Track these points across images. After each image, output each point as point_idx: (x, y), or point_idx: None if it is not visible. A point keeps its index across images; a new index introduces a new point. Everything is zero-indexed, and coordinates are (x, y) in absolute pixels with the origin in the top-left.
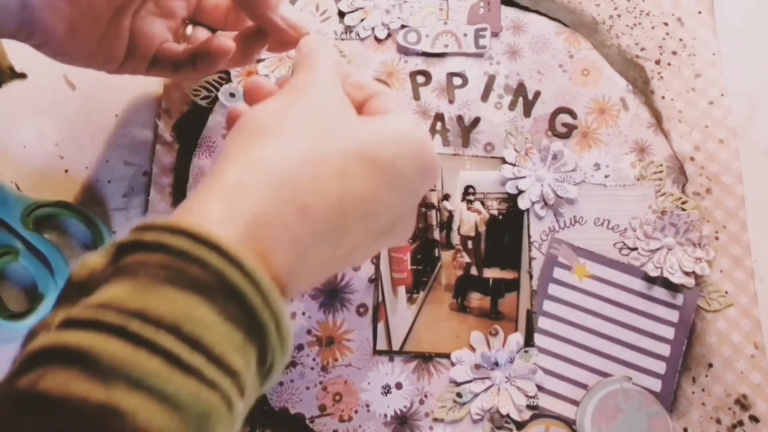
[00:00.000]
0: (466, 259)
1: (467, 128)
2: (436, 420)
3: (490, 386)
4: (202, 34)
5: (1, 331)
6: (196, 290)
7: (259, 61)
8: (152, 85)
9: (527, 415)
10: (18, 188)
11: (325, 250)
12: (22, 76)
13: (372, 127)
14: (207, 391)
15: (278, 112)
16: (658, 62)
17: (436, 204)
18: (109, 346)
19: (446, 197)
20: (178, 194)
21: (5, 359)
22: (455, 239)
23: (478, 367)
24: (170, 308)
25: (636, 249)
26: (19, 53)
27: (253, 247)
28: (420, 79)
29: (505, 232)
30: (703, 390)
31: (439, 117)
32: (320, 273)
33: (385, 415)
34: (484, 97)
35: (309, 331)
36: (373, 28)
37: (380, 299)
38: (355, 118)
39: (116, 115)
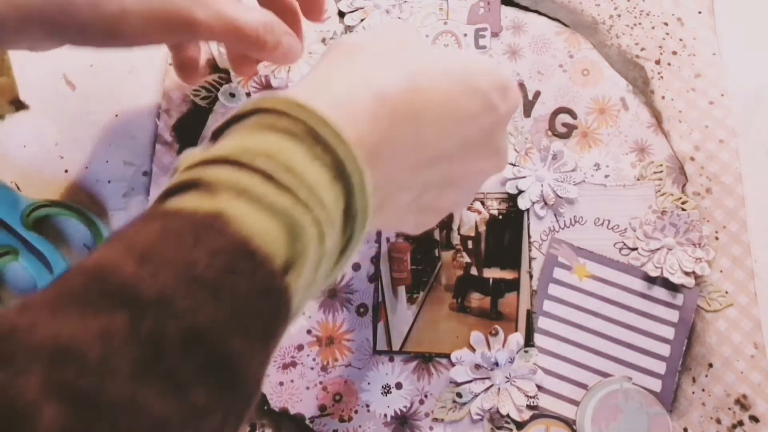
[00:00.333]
0: (466, 259)
1: None
2: (435, 420)
3: (490, 386)
4: None
5: None
6: (285, 134)
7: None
8: (152, 85)
9: (527, 415)
10: (18, 188)
11: (421, 170)
12: (25, 107)
13: (447, 51)
14: (300, 209)
15: (367, 37)
16: (658, 62)
17: None
18: (214, 171)
19: None
20: None
21: None
22: (455, 239)
23: (478, 367)
24: (264, 144)
25: (636, 249)
26: (19, 53)
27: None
28: None
29: (505, 232)
30: (703, 390)
31: None
32: (410, 203)
33: (385, 415)
34: None
35: (309, 331)
36: None
37: (380, 299)
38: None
39: (116, 115)
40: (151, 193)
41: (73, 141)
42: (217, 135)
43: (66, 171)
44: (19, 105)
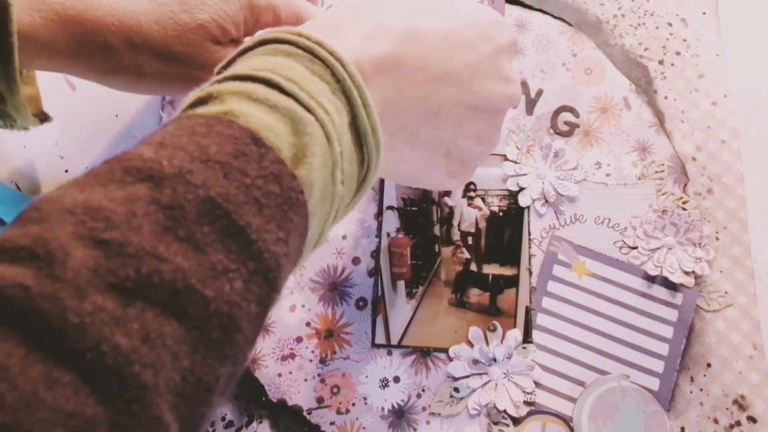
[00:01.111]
0: (466, 254)
1: None
2: (433, 414)
3: (488, 382)
4: None
5: None
6: (285, 55)
7: None
8: None
9: (524, 411)
10: (18, 188)
11: (421, 107)
12: (49, 120)
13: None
14: (303, 110)
15: None
16: (661, 62)
17: (436, 200)
18: (223, 85)
19: (447, 193)
20: None
21: None
22: (455, 235)
23: (475, 362)
24: (266, 63)
25: (636, 248)
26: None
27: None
28: None
29: (506, 228)
30: (701, 390)
31: None
32: (414, 138)
33: (383, 408)
34: None
35: (308, 324)
36: None
37: (380, 293)
38: None
39: (116, 115)
40: None
41: (73, 141)
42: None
43: (66, 171)
44: (43, 117)
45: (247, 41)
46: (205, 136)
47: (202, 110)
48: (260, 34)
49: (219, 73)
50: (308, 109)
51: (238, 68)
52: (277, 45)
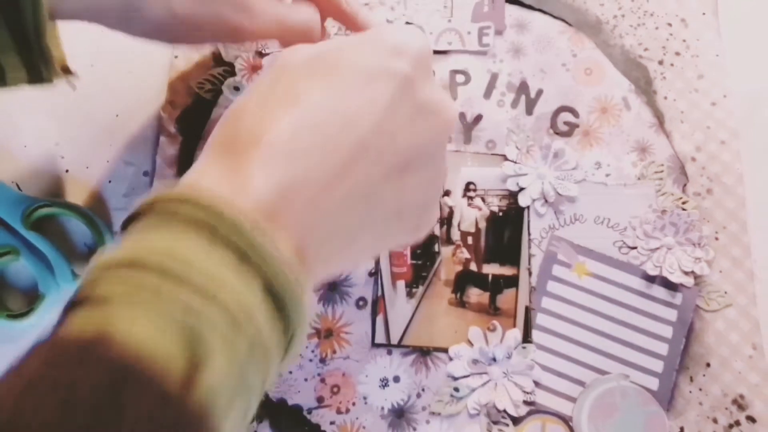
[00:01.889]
0: (466, 254)
1: (469, 125)
2: (432, 414)
3: (488, 381)
4: None
5: (2, 330)
6: (181, 222)
7: (263, 55)
8: (153, 85)
9: (524, 410)
10: (18, 188)
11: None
12: (73, 74)
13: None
14: (199, 300)
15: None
16: (661, 62)
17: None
18: (107, 277)
19: (447, 193)
20: None
21: (6, 358)
22: (455, 235)
23: (475, 362)
24: (157, 238)
25: (635, 248)
26: None
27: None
28: None
29: (505, 228)
30: (700, 389)
31: None
32: (348, 234)
33: (383, 408)
34: (487, 94)
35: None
36: None
37: (379, 293)
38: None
39: (116, 115)
40: (154, 184)
41: (73, 141)
42: (125, 225)
43: (66, 171)
44: (67, 71)
45: (142, 200)
46: (76, 371)
47: (78, 323)
48: (155, 195)
49: (123, 227)
50: (207, 297)
51: (127, 247)
52: (175, 206)
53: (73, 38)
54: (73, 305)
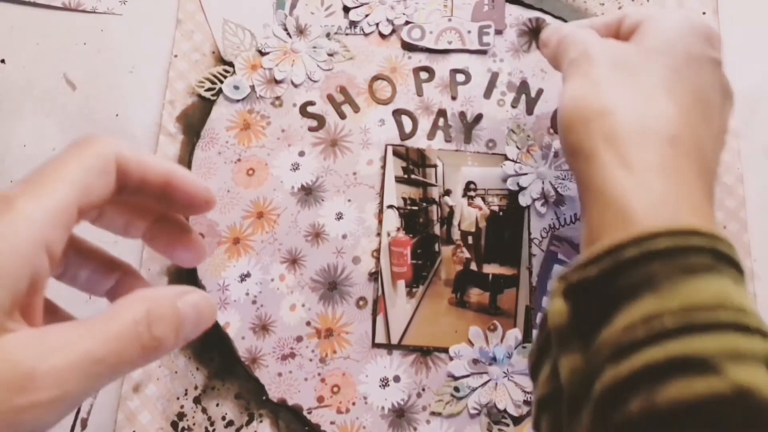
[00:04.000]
0: (466, 254)
1: (470, 125)
2: (433, 414)
3: (488, 381)
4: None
5: None
6: (704, 269)
7: (263, 54)
8: (153, 85)
9: (524, 410)
10: None
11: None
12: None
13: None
14: (765, 340)
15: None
16: None
17: (437, 199)
18: (699, 344)
19: (447, 193)
20: None
21: None
22: (455, 234)
23: (476, 361)
24: (705, 290)
25: None
26: (14, 46)
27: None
28: (423, 75)
29: (506, 228)
30: None
31: (441, 113)
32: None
33: (383, 408)
34: (487, 94)
35: (308, 323)
36: (377, 24)
37: (380, 293)
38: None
39: (116, 115)
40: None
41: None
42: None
43: None
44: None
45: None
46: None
47: (704, 385)
48: (644, 234)
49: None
50: (767, 335)
51: (677, 301)
52: (682, 258)
53: (73, 38)
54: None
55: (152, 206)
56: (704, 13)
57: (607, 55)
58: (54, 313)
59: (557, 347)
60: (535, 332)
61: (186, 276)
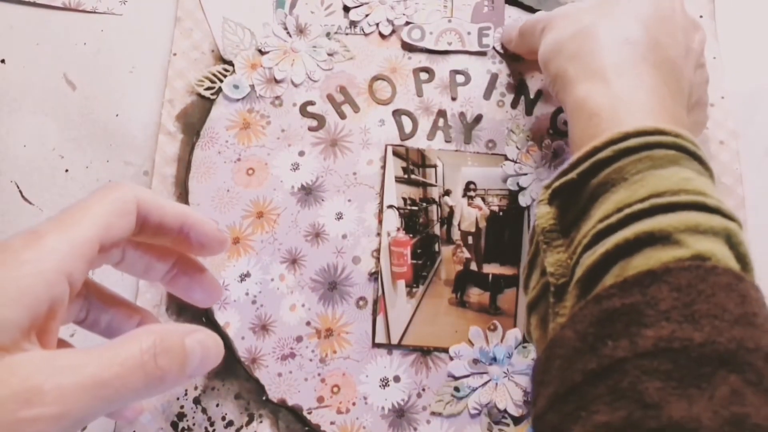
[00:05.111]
0: (466, 254)
1: (469, 125)
2: (433, 414)
3: (488, 381)
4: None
5: None
6: (668, 161)
7: (263, 53)
8: (152, 84)
9: (525, 410)
10: (18, 188)
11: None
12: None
13: None
14: (726, 220)
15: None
16: None
17: (437, 199)
18: (662, 220)
19: (447, 193)
20: (180, 184)
21: None
22: (455, 234)
23: (476, 361)
24: (664, 178)
25: None
26: (14, 46)
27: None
28: (423, 75)
29: (506, 228)
30: None
31: (441, 113)
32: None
33: (383, 408)
34: (487, 94)
35: (308, 323)
36: (377, 24)
37: (380, 293)
38: None
39: (116, 115)
40: (153, 183)
41: (73, 141)
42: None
43: (66, 171)
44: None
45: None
46: (714, 295)
47: (668, 254)
48: (610, 135)
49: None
50: (726, 216)
51: (645, 189)
52: (652, 151)
53: (73, 38)
54: (625, 245)
55: (170, 250)
56: (701, 17)
57: (572, 5)
58: (66, 346)
59: (544, 248)
60: None
61: None
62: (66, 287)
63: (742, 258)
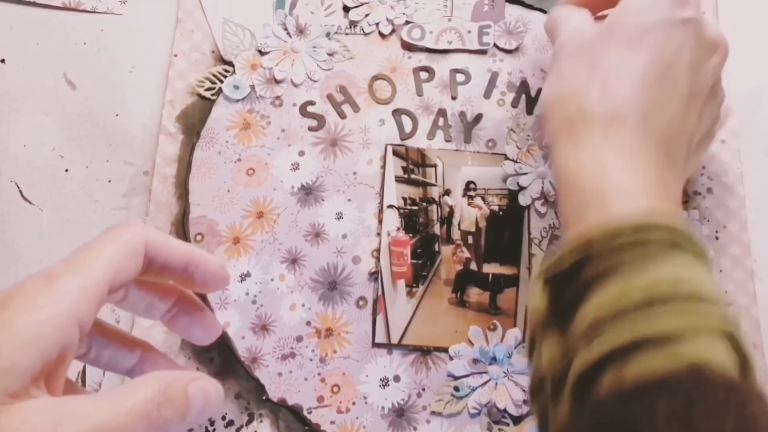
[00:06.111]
0: (466, 254)
1: (470, 124)
2: (433, 413)
3: (488, 381)
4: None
5: None
6: (667, 245)
7: (263, 53)
8: (152, 84)
9: (524, 410)
10: (18, 188)
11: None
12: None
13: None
14: (731, 325)
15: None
16: None
17: (437, 199)
18: (658, 324)
19: (447, 192)
20: (180, 184)
21: None
22: (455, 234)
23: (476, 361)
24: (662, 276)
25: None
26: (14, 46)
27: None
28: (423, 75)
29: (506, 228)
30: None
31: (441, 113)
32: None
33: (383, 408)
34: (487, 94)
35: (308, 323)
36: (377, 24)
37: (380, 292)
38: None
39: (116, 115)
40: (153, 182)
41: (73, 141)
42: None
43: (66, 171)
44: None
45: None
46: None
47: (664, 361)
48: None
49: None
50: (724, 313)
51: (639, 287)
52: (645, 242)
53: (73, 38)
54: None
55: (172, 288)
56: (704, 14)
57: (572, 43)
58: (70, 388)
59: (539, 341)
60: None
61: None
62: (77, 332)
63: (743, 360)
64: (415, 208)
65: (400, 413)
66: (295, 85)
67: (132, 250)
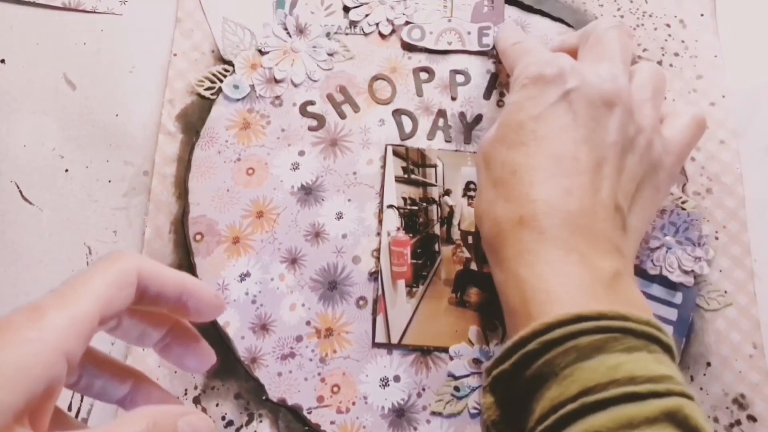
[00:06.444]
0: (466, 254)
1: (469, 125)
2: (433, 413)
3: None
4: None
5: None
6: (597, 352)
7: (263, 53)
8: (152, 84)
9: None
10: (18, 188)
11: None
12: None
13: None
14: (660, 400)
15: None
16: (660, 63)
17: (437, 199)
18: (594, 422)
19: (447, 193)
20: (180, 184)
21: None
22: (456, 234)
23: (476, 361)
24: (596, 372)
25: None
26: (14, 46)
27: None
28: (423, 75)
29: None
30: (701, 389)
31: (441, 113)
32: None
33: (383, 408)
34: (487, 94)
35: (308, 323)
36: (377, 24)
37: (380, 292)
38: None
39: (116, 115)
40: (153, 182)
41: (73, 141)
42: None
43: (66, 171)
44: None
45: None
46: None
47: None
48: (559, 316)
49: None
50: (661, 395)
51: (575, 386)
52: (577, 341)
53: (73, 38)
54: None
55: (165, 317)
56: (702, 15)
57: (482, 146)
58: (59, 420)
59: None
60: None
61: None
62: (64, 367)
63: None
64: (415, 208)
65: (400, 413)
66: (295, 85)
67: (124, 281)
